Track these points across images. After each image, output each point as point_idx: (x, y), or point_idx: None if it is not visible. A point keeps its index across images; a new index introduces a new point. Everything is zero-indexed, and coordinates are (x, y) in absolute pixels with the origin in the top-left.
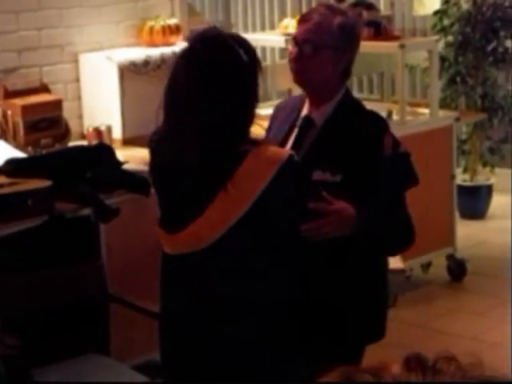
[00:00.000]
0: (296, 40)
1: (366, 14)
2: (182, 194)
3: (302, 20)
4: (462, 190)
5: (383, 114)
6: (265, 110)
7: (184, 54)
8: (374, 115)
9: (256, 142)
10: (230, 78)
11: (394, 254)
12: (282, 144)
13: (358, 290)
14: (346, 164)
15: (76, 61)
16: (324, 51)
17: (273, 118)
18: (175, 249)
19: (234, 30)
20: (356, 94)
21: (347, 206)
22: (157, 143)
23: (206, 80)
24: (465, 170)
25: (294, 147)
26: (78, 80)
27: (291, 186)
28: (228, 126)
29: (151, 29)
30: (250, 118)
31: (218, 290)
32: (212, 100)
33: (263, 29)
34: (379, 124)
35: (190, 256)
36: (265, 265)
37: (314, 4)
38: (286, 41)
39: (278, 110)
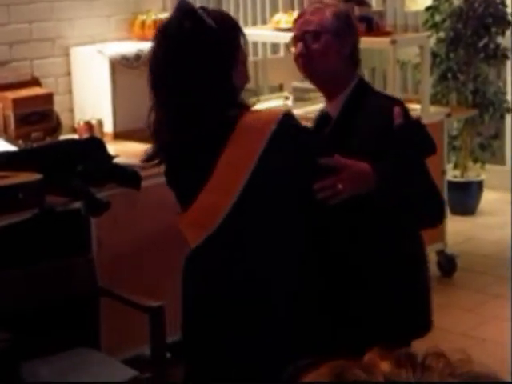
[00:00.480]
0: (296, 36)
1: (357, 10)
2: (186, 171)
3: (297, 18)
4: (453, 185)
5: None
6: (256, 105)
7: (158, 30)
8: (387, 98)
9: (248, 107)
10: (200, 46)
11: (425, 226)
12: None
13: (395, 280)
14: (360, 148)
15: (67, 54)
16: (325, 36)
17: None
18: (194, 234)
19: None
20: None
21: (361, 162)
22: (156, 133)
23: (178, 51)
24: (455, 166)
25: None
26: (69, 74)
27: (292, 143)
28: (210, 92)
29: (143, 23)
30: (232, 82)
31: (244, 276)
32: (188, 69)
33: (255, 24)
34: (390, 101)
35: (210, 245)
36: (283, 239)
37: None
38: (287, 45)
39: None
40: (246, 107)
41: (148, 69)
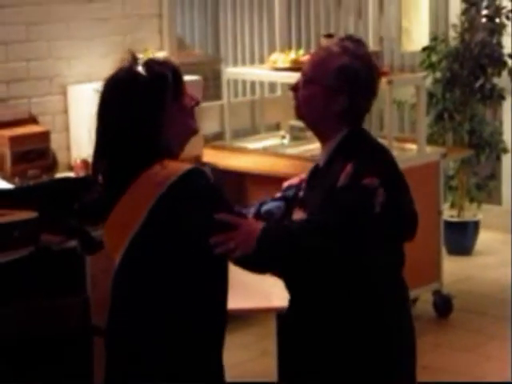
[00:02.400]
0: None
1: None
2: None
3: (311, 53)
4: (449, 225)
5: None
6: (252, 144)
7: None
8: (372, 151)
9: (167, 158)
10: (122, 93)
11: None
12: None
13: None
14: (316, 204)
15: (64, 92)
16: (313, 86)
17: None
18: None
19: (223, 64)
20: None
21: (257, 222)
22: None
23: (107, 95)
24: (452, 206)
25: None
26: (66, 111)
27: (187, 201)
28: (124, 135)
29: None
30: (159, 131)
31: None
32: (109, 113)
33: (252, 62)
34: (367, 158)
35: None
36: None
37: (303, 39)
38: None
39: None
40: (164, 158)
41: None
